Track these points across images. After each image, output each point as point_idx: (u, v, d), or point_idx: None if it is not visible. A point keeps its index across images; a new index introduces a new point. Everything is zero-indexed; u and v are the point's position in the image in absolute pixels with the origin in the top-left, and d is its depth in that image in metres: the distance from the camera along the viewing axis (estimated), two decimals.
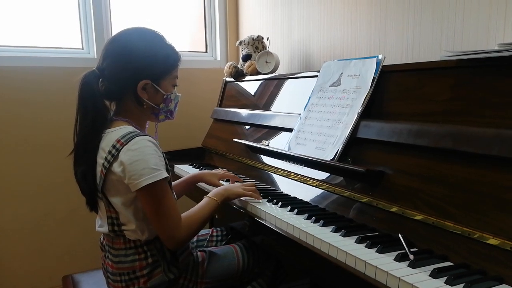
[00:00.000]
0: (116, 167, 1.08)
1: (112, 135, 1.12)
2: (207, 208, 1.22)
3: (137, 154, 1.07)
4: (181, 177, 1.58)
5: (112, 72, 1.15)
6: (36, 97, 2.16)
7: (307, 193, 1.38)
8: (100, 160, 1.11)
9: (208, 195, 1.26)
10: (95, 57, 2.31)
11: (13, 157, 2.14)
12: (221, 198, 1.26)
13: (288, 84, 1.82)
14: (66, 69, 2.20)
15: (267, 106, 1.89)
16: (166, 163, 1.15)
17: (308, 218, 1.16)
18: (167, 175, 1.11)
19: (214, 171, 1.60)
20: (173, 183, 1.33)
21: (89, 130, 1.13)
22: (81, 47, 2.33)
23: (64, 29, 2.31)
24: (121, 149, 1.08)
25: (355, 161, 1.27)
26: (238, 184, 1.37)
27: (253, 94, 2.06)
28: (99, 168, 1.11)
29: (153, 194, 1.08)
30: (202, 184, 1.60)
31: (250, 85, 2.11)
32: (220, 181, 1.52)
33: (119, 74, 1.15)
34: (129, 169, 1.06)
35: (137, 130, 1.14)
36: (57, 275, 1.83)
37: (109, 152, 1.09)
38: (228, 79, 2.29)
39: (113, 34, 2.31)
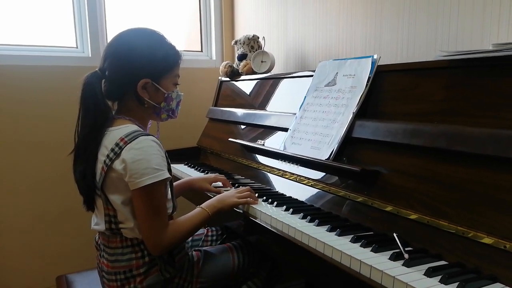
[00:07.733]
0: (118, 165, 1.08)
1: (116, 133, 1.11)
2: (197, 219, 1.20)
3: (140, 153, 1.07)
4: (175, 176, 1.57)
5: (112, 72, 1.16)
6: (30, 96, 2.15)
7: (302, 193, 1.38)
8: (101, 157, 1.11)
9: (201, 205, 1.25)
10: (90, 55, 2.30)
11: (5, 156, 2.12)
12: (213, 210, 1.24)
13: (284, 83, 1.82)
14: (60, 68, 2.19)
15: (262, 105, 1.89)
16: (168, 163, 1.14)
17: (303, 218, 1.16)
18: (169, 175, 1.11)
19: (205, 175, 1.59)
20: None
21: (90, 130, 1.13)
22: (75, 46, 2.31)
23: (58, 28, 2.29)
24: (124, 147, 1.08)
25: (350, 160, 1.27)
26: (232, 192, 1.33)
27: (248, 93, 2.06)
28: (100, 165, 1.11)
29: (150, 195, 1.08)
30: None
31: (246, 85, 2.10)
32: (213, 185, 1.50)
33: (118, 73, 1.16)
34: (131, 168, 1.06)
35: (141, 130, 1.14)
36: (50, 275, 1.82)
37: (112, 149, 1.09)
38: (224, 79, 2.29)
39: (107, 34, 2.37)
